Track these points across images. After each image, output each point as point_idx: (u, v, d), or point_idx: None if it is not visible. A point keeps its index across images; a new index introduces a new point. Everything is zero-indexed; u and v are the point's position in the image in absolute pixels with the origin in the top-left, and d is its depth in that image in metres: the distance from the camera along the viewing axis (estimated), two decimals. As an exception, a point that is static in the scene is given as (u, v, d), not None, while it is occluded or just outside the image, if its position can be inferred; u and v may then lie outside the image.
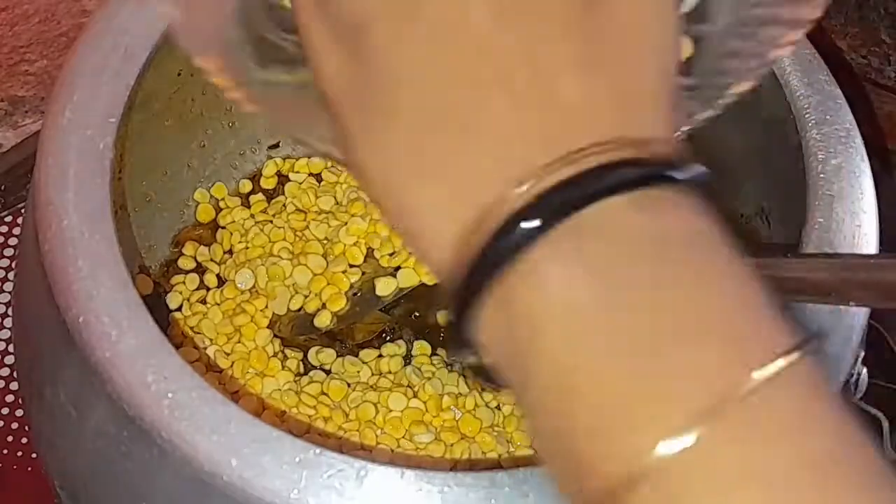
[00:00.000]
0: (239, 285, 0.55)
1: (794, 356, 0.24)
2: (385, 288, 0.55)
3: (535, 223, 0.25)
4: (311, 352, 0.54)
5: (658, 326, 0.24)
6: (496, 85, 0.26)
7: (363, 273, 0.56)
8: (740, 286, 0.25)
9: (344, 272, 0.55)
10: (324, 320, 0.55)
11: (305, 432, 0.51)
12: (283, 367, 0.53)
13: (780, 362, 0.24)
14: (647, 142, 0.26)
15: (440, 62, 0.26)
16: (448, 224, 0.26)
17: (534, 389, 0.26)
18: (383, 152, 0.27)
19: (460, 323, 0.26)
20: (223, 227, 0.58)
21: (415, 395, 0.52)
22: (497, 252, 0.25)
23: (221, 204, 0.58)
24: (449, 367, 0.54)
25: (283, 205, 0.58)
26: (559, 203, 0.25)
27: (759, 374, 0.23)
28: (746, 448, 0.23)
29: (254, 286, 0.55)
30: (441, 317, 0.56)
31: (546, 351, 0.25)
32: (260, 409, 0.51)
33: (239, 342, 0.53)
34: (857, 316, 0.43)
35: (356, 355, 0.55)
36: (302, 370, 0.54)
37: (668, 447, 0.23)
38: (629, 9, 0.27)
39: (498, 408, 0.53)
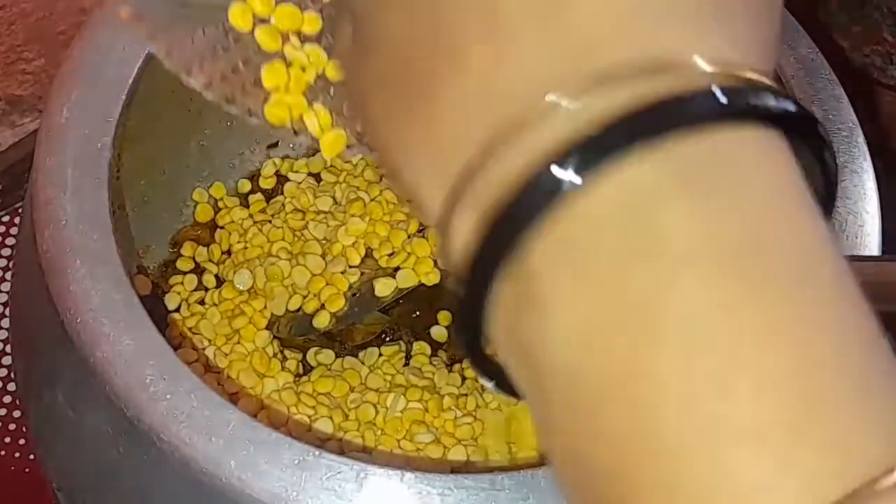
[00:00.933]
0: (237, 286, 0.55)
1: None
2: (384, 288, 0.55)
3: (584, 163, 0.19)
4: (311, 352, 0.54)
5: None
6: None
7: (362, 273, 0.56)
8: (858, 311, 0.21)
9: (343, 272, 0.55)
10: (323, 321, 0.55)
11: (305, 433, 0.51)
12: (283, 368, 0.53)
13: None
14: (741, 65, 0.21)
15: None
16: (438, 187, 0.21)
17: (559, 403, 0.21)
18: (378, 117, 0.23)
19: (473, 310, 0.21)
20: (222, 228, 0.57)
21: (415, 396, 0.52)
22: (523, 207, 0.20)
23: (220, 204, 0.58)
24: (449, 368, 0.54)
25: (282, 205, 0.58)
26: (618, 134, 0.19)
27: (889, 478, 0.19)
28: None
29: (252, 287, 0.55)
30: (446, 317, 0.56)
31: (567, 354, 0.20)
32: (259, 411, 0.51)
33: (237, 343, 0.53)
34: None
35: (355, 356, 0.54)
36: (301, 371, 0.54)
37: None
38: None
39: (498, 409, 0.53)
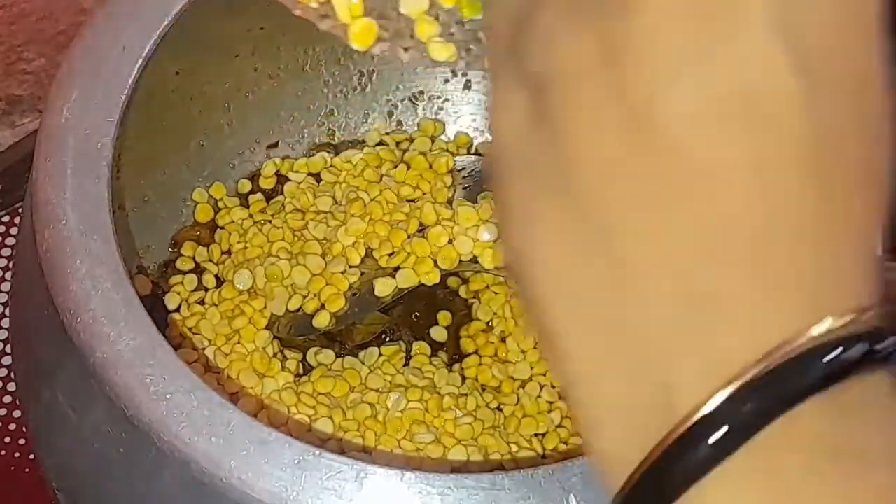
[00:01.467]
0: (237, 286, 0.55)
1: None
2: (384, 288, 0.55)
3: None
4: (311, 352, 0.54)
5: None
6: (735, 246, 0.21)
7: (362, 273, 0.56)
8: None
9: (343, 272, 0.55)
10: (322, 321, 0.55)
11: (305, 433, 0.51)
12: (283, 368, 0.53)
13: None
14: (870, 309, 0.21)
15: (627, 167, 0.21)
16: (624, 427, 0.22)
17: None
18: (530, 246, 0.23)
19: None
20: (222, 228, 0.57)
21: (415, 396, 0.52)
22: (685, 464, 0.21)
23: (220, 204, 0.58)
24: (449, 368, 0.54)
25: (282, 205, 0.58)
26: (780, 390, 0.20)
27: None
28: None
29: (252, 287, 0.55)
30: (446, 317, 0.56)
31: None
32: (259, 411, 0.51)
33: (237, 343, 0.53)
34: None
35: (356, 356, 0.54)
36: (301, 371, 0.54)
37: None
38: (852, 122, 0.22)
39: (499, 409, 0.53)
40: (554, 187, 0.22)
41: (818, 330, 0.21)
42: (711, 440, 0.20)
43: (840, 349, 0.20)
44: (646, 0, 0.21)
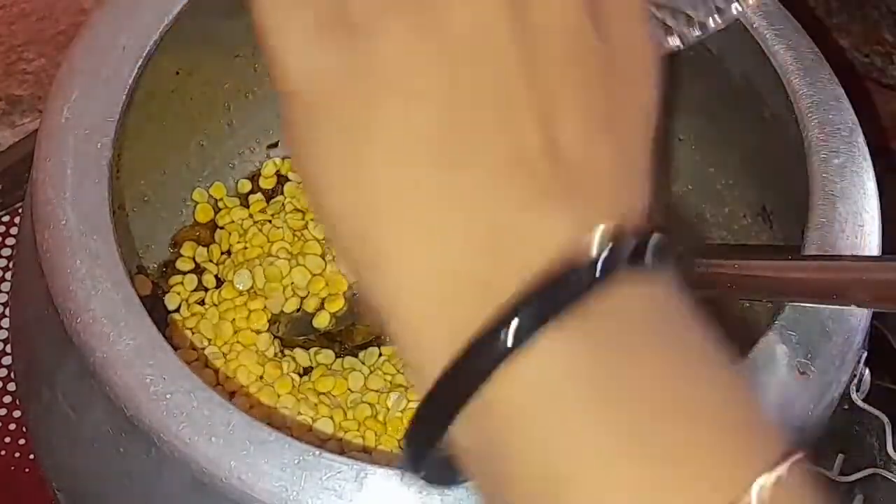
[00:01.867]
0: (237, 286, 0.55)
1: (787, 465, 0.23)
2: (384, 288, 0.55)
3: (531, 321, 0.23)
4: (311, 352, 0.54)
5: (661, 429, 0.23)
6: (496, 140, 0.24)
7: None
8: (733, 384, 0.25)
9: (343, 273, 0.55)
10: (322, 321, 0.55)
11: (305, 433, 0.51)
12: (283, 368, 0.53)
13: (777, 471, 0.23)
14: (630, 222, 0.25)
15: (445, 89, 0.24)
16: (432, 317, 0.24)
17: (515, 493, 0.24)
18: (357, 189, 0.25)
19: (440, 427, 0.25)
20: (222, 228, 0.57)
21: (416, 396, 0.52)
22: (491, 353, 0.24)
23: (220, 204, 0.58)
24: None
25: (282, 205, 0.58)
26: (556, 298, 0.23)
27: (761, 488, 0.23)
28: None
29: (252, 287, 0.55)
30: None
31: (529, 452, 0.24)
32: (258, 411, 0.51)
33: (237, 343, 0.53)
34: (860, 316, 0.42)
35: (356, 356, 0.54)
36: (301, 371, 0.54)
37: None
38: (626, 47, 0.26)
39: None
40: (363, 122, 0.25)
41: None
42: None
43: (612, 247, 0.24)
44: None
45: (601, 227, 0.24)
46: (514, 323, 0.23)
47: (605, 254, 0.24)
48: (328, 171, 0.25)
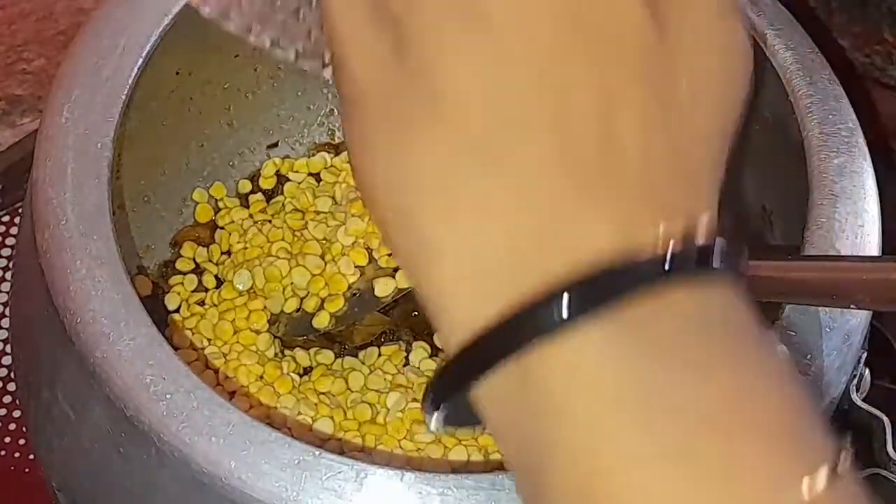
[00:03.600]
0: (237, 286, 0.55)
1: (840, 468, 0.23)
2: (384, 289, 0.55)
3: (582, 303, 0.23)
4: (311, 352, 0.54)
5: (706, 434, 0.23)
6: (551, 130, 0.24)
7: (362, 274, 0.56)
8: (790, 390, 0.24)
9: (342, 273, 0.55)
10: (322, 321, 0.55)
11: (305, 433, 0.51)
12: (283, 369, 0.53)
13: (824, 474, 0.23)
14: (694, 224, 0.24)
15: (493, 83, 0.24)
16: (472, 282, 0.25)
17: (549, 485, 0.24)
18: (405, 174, 0.25)
19: (463, 382, 0.25)
20: (222, 228, 0.57)
21: (415, 396, 0.52)
22: (532, 325, 0.23)
23: (220, 204, 0.58)
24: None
25: (282, 205, 0.58)
26: (611, 285, 0.23)
27: (810, 491, 0.22)
28: None
29: (252, 287, 0.55)
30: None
31: (569, 442, 0.23)
32: (258, 411, 0.51)
33: (237, 343, 0.53)
34: (860, 316, 0.42)
35: (355, 356, 0.54)
36: (301, 371, 0.54)
37: None
38: (697, 44, 0.25)
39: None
40: (408, 114, 0.25)
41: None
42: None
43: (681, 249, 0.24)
44: None
45: (671, 225, 0.24)
46: (567, 297, 0.23)
47: (674, 250, 0.24)
48: (377, 144, 0.25)
